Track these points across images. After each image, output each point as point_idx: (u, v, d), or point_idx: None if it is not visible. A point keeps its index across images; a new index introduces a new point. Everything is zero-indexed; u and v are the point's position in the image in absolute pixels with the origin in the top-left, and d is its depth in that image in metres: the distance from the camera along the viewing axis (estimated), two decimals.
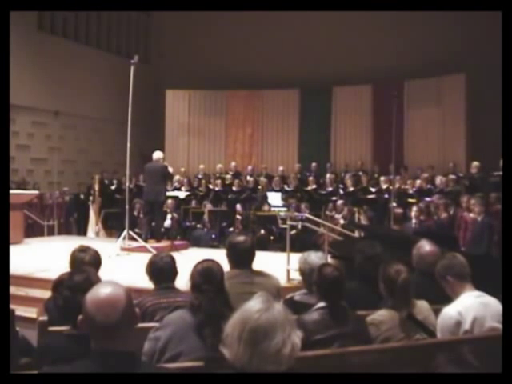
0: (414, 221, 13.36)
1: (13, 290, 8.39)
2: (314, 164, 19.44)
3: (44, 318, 4.81)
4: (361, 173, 18.48)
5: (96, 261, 5.28)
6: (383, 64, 19.42)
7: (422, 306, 4.70)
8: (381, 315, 4.54)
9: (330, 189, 17.60)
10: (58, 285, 4.11)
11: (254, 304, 2.74)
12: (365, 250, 5.62)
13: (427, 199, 14.87)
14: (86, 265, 4.91)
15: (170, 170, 13.61)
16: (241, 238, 5.36)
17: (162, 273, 5.23)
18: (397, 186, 15.72)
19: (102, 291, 2.74)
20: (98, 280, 3.90)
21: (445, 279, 4.68)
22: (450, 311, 4.48)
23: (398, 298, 4.53)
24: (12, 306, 4.92)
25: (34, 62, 19.85)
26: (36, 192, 16.79)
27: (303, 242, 13.02)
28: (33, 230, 16.54)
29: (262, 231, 15.60)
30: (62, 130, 21.34)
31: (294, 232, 13.30)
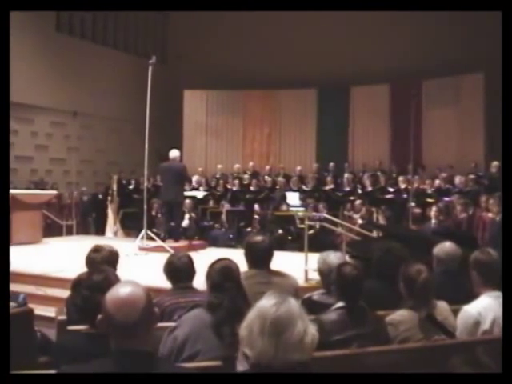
0: (433, 221, 13.28)
1: (31, 289, 8.44)
2: (331, 164, 19.40)
3: (63, 317, 4.82)
4: (379, 172, 18.41)
5: (110, 260, 5.28)
6: (401, 63, 19.36)
7: (442, 307, 4.66)
8: (400, 315, 4.51)
9: (348, 189, 17.55)
10: (77, 284, 4.12)
11: (268, 300, 2.77)
12: (386, 250, 5.60)
13: (446, 199, 14.79)
14: (101, 264, 4.92)
15: None
16: (259, 238, 5.36)
17: (179, 273, 5.22)
18: (415, 185, 15.66)
19: (122, 290, 2.75)
20: (116, 280, 3.90)
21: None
22: (470, 310, 4.48)
23: (418, 298, 4.49)
24: (31, 305, 4.94)
25: (52, 63, 19.95)
26: (54, 192, 16.86)
27: (321, 241, 12.97)
28: (51, 230, 16.59)
29: (280, 231, 15.57)
30: (80, 131, 21.45)
31: (311, 232, 13.26)
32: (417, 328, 4.41)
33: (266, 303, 2.75)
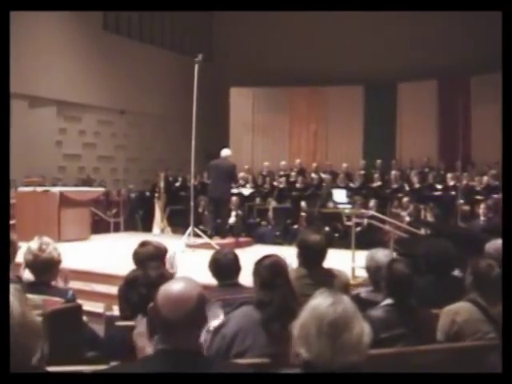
0: (482, 218, 13.12)
1: (79, 285, 8.52)
2: (378, 161, 19.25)
3: (111, 312, 4.86)
4: (427, 169, 18.24)
5: (157, 255, 5.31)
6: (449, 59, 19.14)
7: None
8: (459, 306, 4.44)
9: (396, 186, 17.40)
10: (133, 281, 4.15)
11: (323, 299, 2.71)
12: (434, 248, 5.54)
13: (495, 196, 14.59)
14: (147, 259, 4.97)
15: None
16: (316, 238, 5.29)
17: (225, 269, 5.24)
18: (464, 182, 15.48)
19: (175, 287, 2.75)
20: (170, 276, 3.92)
21: None
22: None
23: (487, 293, 4.41)
24: (79, 301, 4.99)
25: (100, 62, 20.15)
26: (102, 189, 17.03)
27: (368, 239, 12.86)
28: (99, 227, 16.75)
29: (327, 228, 15.49)
30: (127, 129, 21.64)
31: (359, 229, 13.17)
32: (474, 321, 4.34)
33: (322, 303, 2.69)
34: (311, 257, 5.24)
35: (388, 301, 4.33)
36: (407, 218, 14.42)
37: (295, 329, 2.72)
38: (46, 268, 4.84)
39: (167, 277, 3.87)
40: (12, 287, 2.69)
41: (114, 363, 3.17)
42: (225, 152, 13.35)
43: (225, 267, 5.23)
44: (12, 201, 15.01)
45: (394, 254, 7.24)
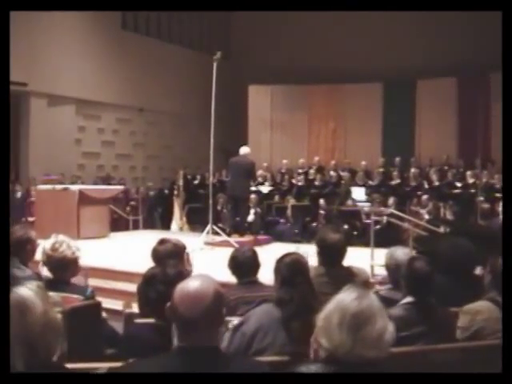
0: (501, 216, 13.03)
1: (99, 282, 8.54)
2: (397, 158, 19.18)
3: (130, 310, 4.87)
4: (446, 167, 18.15)
5: (175, 252, 5.32)
6: (468, 57, 19.02)
7: None
8: (479, 305, 4.41)
9: (415, 183, 17.33)
10: (151, 278, 4.15)
11: (349, 293, 2.73)
12: (453, 246, 5.51)
13: None
14: (166, 257, 4.98)
15: None
16: (335, 237, 5.25)
17: (243, 267, 5.23)
18: (484, 180, 15.40)
19: (191, 284, 2.74)
20: (188, 273, 3.92)
21: None
22: None
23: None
24: (98, 299, 5.00)
25: (119, 60, 20.20)
26: (121, 187, 17.06)
27: (387, 237, 12.82)
28: (118, 225, 16.80)
29: (346, 226, 15.46)
30: (146, 127, 21.70)
31: (378, 227, 13.13)
32: (495, 320, 4.30)
33: (347, 297, 2.71)
34: (331, 255, 5.21)
35: (408, 299, 4.30)
36: (426, 216, 14.37)
37: (319, 320, 2.74)
38: (61, 266, 4.86)
39: (185, 274, 3.86)
40: (34, 284, 2.70)
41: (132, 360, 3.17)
42: (243, 150, 13.35)
43: (244, 265, 5.23)
44: (32, 199, 15.16)
45: (413, 252, 7.21)
